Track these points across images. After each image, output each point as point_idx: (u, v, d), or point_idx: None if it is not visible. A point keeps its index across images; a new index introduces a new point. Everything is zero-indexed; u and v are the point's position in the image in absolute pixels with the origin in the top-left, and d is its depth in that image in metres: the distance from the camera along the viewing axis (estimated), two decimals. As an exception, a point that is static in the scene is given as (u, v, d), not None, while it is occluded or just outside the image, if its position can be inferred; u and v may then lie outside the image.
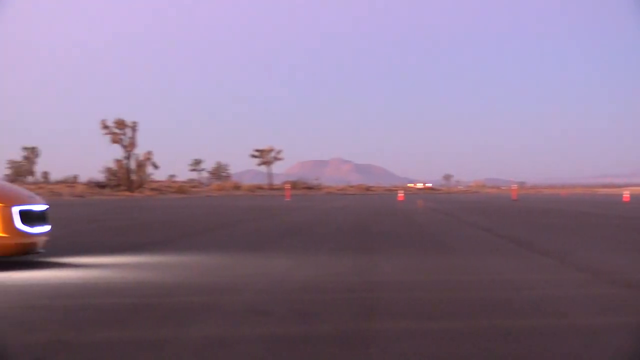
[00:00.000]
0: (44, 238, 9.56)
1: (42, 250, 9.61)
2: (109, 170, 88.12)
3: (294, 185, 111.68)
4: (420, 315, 5.94)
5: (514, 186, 71.65)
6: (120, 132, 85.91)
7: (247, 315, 5.90)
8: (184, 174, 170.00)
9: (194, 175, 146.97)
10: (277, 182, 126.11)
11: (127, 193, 79.24)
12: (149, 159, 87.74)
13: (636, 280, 8.33)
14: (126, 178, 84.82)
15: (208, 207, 38.14)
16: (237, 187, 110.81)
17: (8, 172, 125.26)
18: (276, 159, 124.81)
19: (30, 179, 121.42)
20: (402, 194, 65.75)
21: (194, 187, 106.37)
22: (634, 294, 7.42)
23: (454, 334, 5.18)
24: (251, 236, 15.62)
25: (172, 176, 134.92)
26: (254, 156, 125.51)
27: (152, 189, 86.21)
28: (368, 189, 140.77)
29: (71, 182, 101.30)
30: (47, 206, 9.83)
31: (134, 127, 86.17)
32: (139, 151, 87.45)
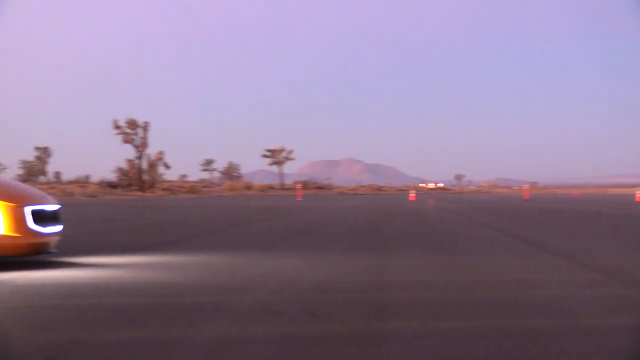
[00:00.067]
0: (56, 238, 9.59)
1: (54, 250, 9.64)
2: (120, 170, 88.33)
3: (305, 185, 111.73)
4: (432, 315, 5.93)
5: (526, 186, 71.42)
6: (132, 132, 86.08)
7: (258, 315, 5.90)
8: (195, 174, 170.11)
9: (205, 175, 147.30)
10: (288, 182, 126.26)
11: (139, 193, 79.40)
12: (160, 159, 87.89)
13: (648, 281, 8.30)
14: (138, 178, 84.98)
15: (219, 207, 38.17)
16: (248, 187, 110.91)
17: (21, 172, 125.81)
18: (287, 159, 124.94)
19: (42, 179, 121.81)
20: (414, 194, 65.68)
21: (205, 187, 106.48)
22: (646, 294, 7.39)
23: (466, 334, 5.17)
24: (262, 236, 15.62)
25: (184, 176, 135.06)
26: (265, 156, 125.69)
27: (164, 189, 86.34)
28: (379, 189, 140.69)
29: (83, 182, 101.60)
30: (59, 206, 9.86)
31: (145, 127, 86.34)
32: (151, 151, 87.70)
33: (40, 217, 9.17)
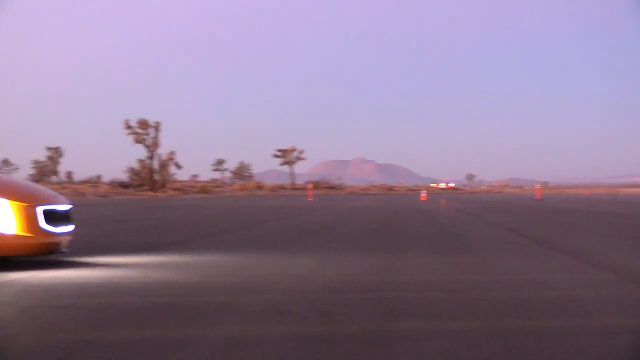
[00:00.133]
0: (67, 238, 9.61)
1: (65, 250, 9.66)
2: (132, 170, 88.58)
3: (316, 185, 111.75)
4: (444, 315, 5.91)
5: (538, 186, 71.26)
6: (144, 132, 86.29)
7: (269, 315, 5.90)
8: (206, 174, 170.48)
9: (216, 175, 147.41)
10: (299, 182, 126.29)
11: (150, 193, 79.56)
12: (171, 158, 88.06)
13: (661, 281, 8.27)
14: (149, 178, 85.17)
15: (230, 207, 38.21)
16: (259, 187, 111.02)
17: (32, 172, 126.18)
18: (298, 158, 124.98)
19: (54, 178, 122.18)
20: (425, 194, 65.60)
21: (216, 187, 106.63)
22: (659, 294, 7.36)
23: (478, 334, 5.15)
24: (273, 236, 15.62)
25: (195, 176, 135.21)
26: (276, 156, 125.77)
27: (175, 189, 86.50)
28: (390, 189, 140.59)
29: (95, 182, 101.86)
30: (71, 206, 9.88)
31: (157, 127, 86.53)
32: (162, 151, 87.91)
33: (52, 217, 9.19)
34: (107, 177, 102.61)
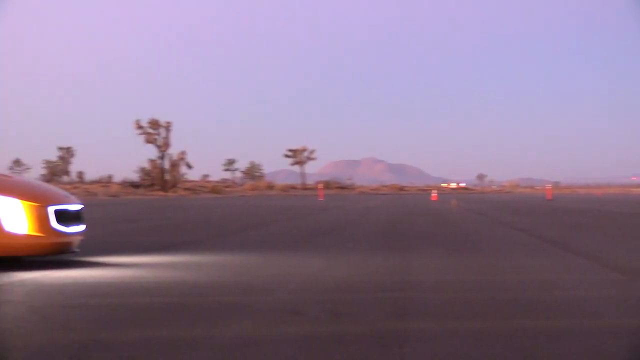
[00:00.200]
0: (79, 237, 9.64)
1: (77, 250, 9.69)
2: (143, 170, 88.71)
3: (327, 185, 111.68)
4: (454, 315, 5.91)
5: (549, 186, 71.07)
6: (154, 132, 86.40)
7: (280, 315, 5.91)
8: (217, 174, 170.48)
9: (227, 175, 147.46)
10: (310, 181, 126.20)
11: (161, 193, 79.68)
12: (182, 158, 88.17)
13: (673, 281, 8.24)
14: (160, 178, 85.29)
15: (241, 206, 38.25)
16: (270, 186, 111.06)
17: (44, 172, 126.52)
18: (309, 158, 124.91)
19: (65, 178, 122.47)
20: (436, 194, 65.50)
21: (227, 186, 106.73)
22: (670, 294, 7.34)
23: (488, 334, 5.15)
24: (284, 236, 15.63)
25: (206, 176, 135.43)
26: (287, 156, 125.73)
27: (186, 189, 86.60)
28: (401, 188, 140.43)
29: (106, 182, 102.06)
30: (82, 206, 9.91)
31: (167, 127, 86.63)
32: (173, 151, 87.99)
33: (63, 217, 9.22)
34: (118, 177, 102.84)
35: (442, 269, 9.20)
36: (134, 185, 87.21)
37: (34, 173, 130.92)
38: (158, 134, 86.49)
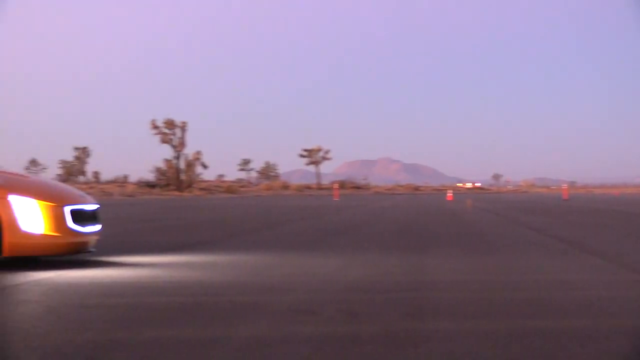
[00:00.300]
0: (94, 237, 9.67)
1: (93, 250, 9.72)
2: (158, 170, 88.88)
3: (342, 184, 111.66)
4: (470, 315, 5.90)
5: (565, 185, 70.82)
6: (170, 132, 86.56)
7: (295, 314, 5.91)
8: (232, 174, 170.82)
9: (242, 175, 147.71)
10: (325, 181, 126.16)
11: (177, 193, 79.83)
12: (198, 158, 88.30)
13: (690, 281, 8.20)
14: (175, 178, 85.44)
15: (256, 206, 38.28)
16: (285, 186, 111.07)
17: (60, 172, 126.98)
18: (324, 158, 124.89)
19: (81, 178, 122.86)
20: (451, 194, 65.38)
21: (242, 186, 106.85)
22: (687, 295, 7.29)
23: (504, 335, 5.13)
24: (300, 236, 15.63)
25: (221, 176, 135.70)
26: (302, 156, 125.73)
27: (201, 189, 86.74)
28: (417, 188, 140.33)
29: (121, 182, 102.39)
30: (98, 206, 9.95)
31: (183, 127, 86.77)
32: (188, 151, 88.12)
33: (80, 217, 9.26)
34: (133, 177, 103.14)
35: (458, 269, 9.18)
36: (150, 185, 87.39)
37: (50, 173, 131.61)
38: (174, 134, 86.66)
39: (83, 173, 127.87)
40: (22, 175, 10.12)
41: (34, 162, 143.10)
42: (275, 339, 4.99)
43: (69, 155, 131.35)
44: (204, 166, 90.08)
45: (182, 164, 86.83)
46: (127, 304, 6.43)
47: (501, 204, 43.41)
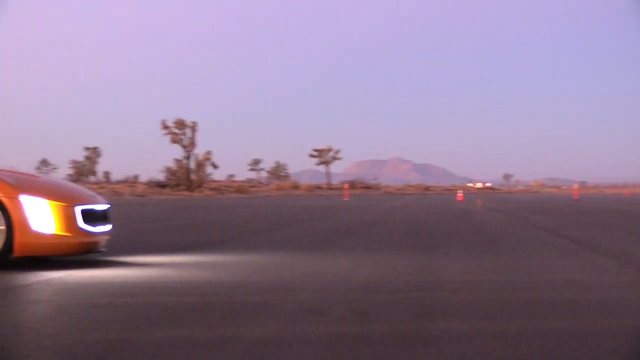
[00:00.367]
0: (105, 237, 9.70)
1: (103, 249, 9.74)
2: (169, 170, 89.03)
3: (352, 184, 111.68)
4: (480, 316, 5.89)
5: (575, 185, 70.66)
6: (180, 132, 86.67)
7: (305, 315, 5.90)
8: (243, 174, 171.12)
9: (252, 174, 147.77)
10: (335, 181, 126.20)
11: (187, 193, 79.93)
12: (208, 158, 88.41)
13: (702, 282, 8.17)
14: (186, 178, 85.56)
15: (267, 206, 38.29)
16: (295, 186, 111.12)
17: (71, 171, 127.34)
18: (335, 158, 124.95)
19: (92, 178, 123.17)
20: (462, 194, 65.30)
21: (252, 186, 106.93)
22: (699, 295, 7.27)
23: (515, 335, 5.12)
24: (310, 236, 15.62)
25: (231, 176, 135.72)
26: (312, 156, 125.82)
27: (212, 189, 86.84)
28: (427, 188, 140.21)
29: (132, 181, 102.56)
30: (109, 205, 9.97)
31: (193, 127, 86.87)
32: (199, 151, 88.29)
33: (90, 217, 9.28)
34: (144, 177, 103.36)
35: (468, 269, 9.16)
36: (160, 185, 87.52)
37: (61, 173, 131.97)
38: (184, 134, 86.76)
39: (94, 173, 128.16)
40: (33, 175, 10.15)
41: (44, 162, 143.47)
42: (286, 339, 4.99)
43: (80, 155, 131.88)
44: (214, 166, 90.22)
45: (192, 164, 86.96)
46: (137, 304, 6.44)
47: (511, 204, 43.33)
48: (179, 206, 38.44)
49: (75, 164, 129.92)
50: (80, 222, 9.08)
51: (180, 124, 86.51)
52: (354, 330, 5.30)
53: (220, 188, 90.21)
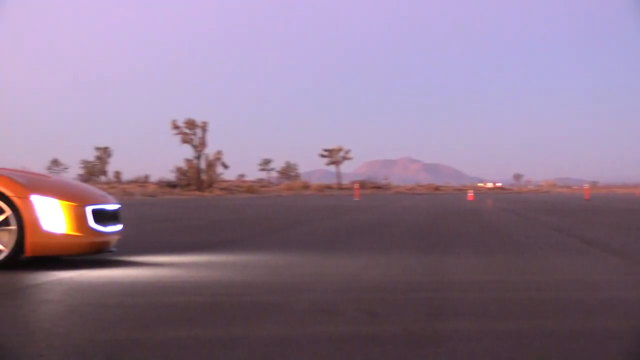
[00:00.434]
0: (116, 237, 9.71)
1: (114, 249, 9.76)
2: (179, 170, 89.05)
3: (363, 184, 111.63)
4: (490, 316, 5.88)
5: (586, 185, 70.47)
6: (191, 132, 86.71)
7: (315, 314, 5.90)
8: (253, 174, 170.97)
9: (263, 174, 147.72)
10: (345, 181, 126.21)
11: (197, 192, 80.00)
12: (218, 158, 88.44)
13: None
14: (196, 178, 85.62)
15: (277, 206, 38.31)
16: (306, 186, 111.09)
17: (81, 171, 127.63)
18: (345, 158, 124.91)
19: (102, 178, 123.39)
20: (472, 194, 65.20)
21: (263, 186, 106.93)
22: None
23: (526, 335, 5.11)
24: (320, 235, 15.62)
25: (242, 176, 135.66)
26: (322, 156, 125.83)
27: (222, 189, 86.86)
28: (437, 188, 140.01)
29: (142, 181, 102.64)
30: (119, 205, 9.98)
31: (204, 127, 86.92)
32: (209, 151, 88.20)
33: (101, 217, 9.30)
34: (154, 177, 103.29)
35: (479, 269, 9.15)
36: (171, 185, 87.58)
37: (72, 173, 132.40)
38: (194, 134, 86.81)
39: (104, 173, 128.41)
40: (44, 175, 10.17)
41: (55, 162, 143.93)
42: (296, 339, 4.99)
43: (91, 155, 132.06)
44: (225, 166, 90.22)
45: (202, 164, 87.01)
46: (148, 304, 6.45)
47: (522, 204, 43.25)
48: (190, 206, 38.48)
49: (86, 164, 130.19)
50: (91, 222, 9.10)
51: (191, 124, 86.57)
52: (365, 330, 5.30)
53: (230, 188, 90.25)
